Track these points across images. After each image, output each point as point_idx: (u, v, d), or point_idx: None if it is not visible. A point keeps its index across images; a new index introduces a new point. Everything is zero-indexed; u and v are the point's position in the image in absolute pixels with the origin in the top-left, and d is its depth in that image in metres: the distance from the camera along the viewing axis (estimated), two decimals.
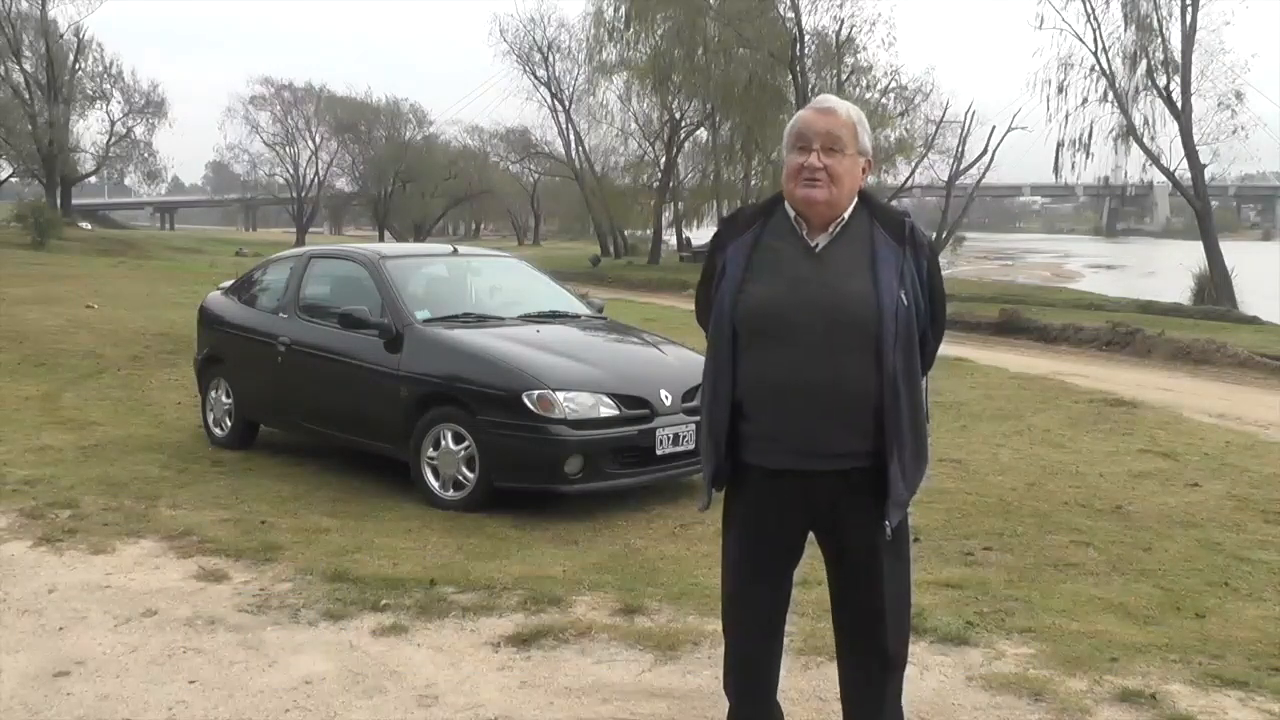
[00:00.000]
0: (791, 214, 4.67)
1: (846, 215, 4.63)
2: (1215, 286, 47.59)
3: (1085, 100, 53.23)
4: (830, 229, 4.61)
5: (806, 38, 62.50)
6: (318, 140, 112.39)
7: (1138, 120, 52.03)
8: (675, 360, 11.53)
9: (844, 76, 62.35)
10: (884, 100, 63.32)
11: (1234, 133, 49.70)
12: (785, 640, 5.04)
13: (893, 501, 4.55)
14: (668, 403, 10.68)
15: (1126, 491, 11.39)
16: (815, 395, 4.48)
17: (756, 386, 4.60)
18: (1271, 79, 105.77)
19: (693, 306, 5.18)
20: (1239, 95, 49.67)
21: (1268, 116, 53.78)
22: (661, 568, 8.74)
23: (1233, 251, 53.36)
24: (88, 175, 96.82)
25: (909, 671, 5.08)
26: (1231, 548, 9.38)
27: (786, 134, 4.70)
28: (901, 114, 63.84)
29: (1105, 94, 52.38)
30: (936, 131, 62.28)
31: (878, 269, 4.51)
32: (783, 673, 5.10)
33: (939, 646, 6.96)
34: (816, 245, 4.60)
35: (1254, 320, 37.94)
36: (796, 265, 4.58)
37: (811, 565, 4.99)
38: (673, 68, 66.06)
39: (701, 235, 78.26)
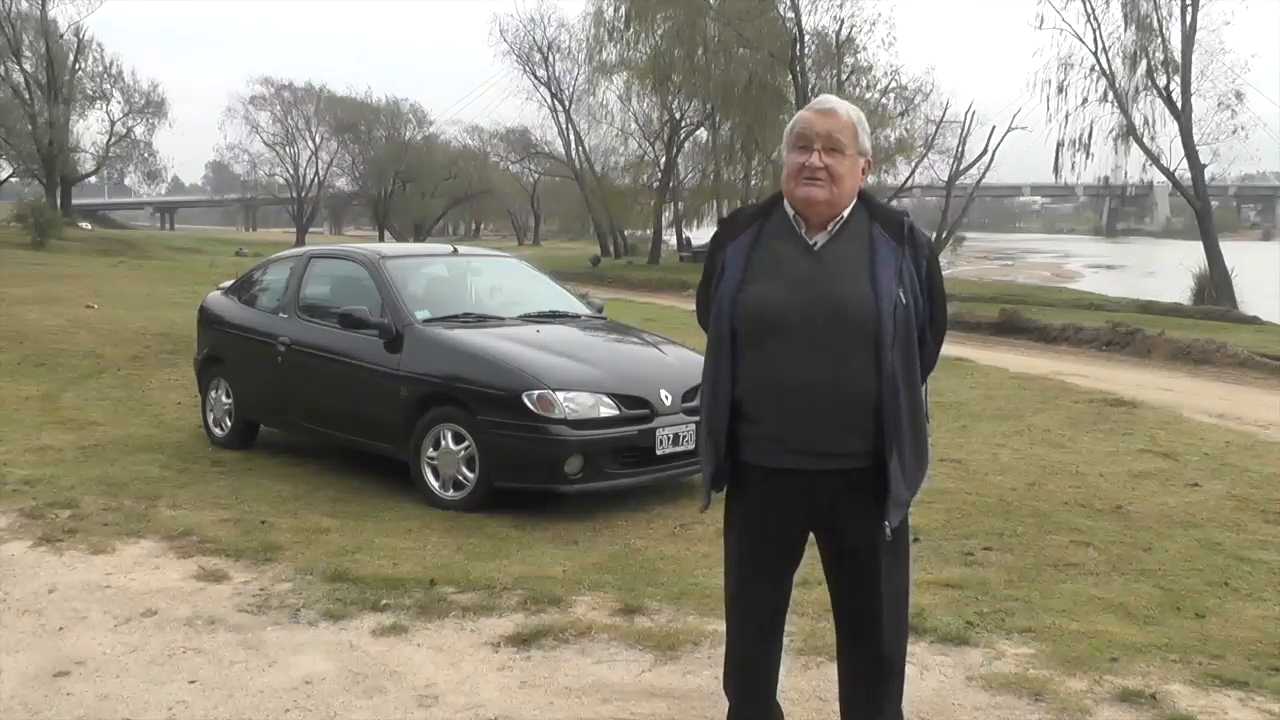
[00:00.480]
0: (790, 213, 4.67)
1: (845, 214, 4.63)
2: (1215, 286, 47.64)
3: (1085, 100, 53.35)
4: (829, 228, 4.61)
5: (806, 38, 62.54)
6: (318, 140, 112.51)
7: (1138, 120, 52.13)
8: (675, 360, 11.54)
9: (844, 76, 62.40)
10: (884, 100, 63.37)
11: (1234, 133, 49.82)
12: (785, 640, 5.05)
13: (892, 501, 4.55)
14: (668, 403, 10.68)
15: (1126, 491, 11.40)
16: (815, 395, 4.48)
17: (756, 387, 4.60)
18: (1271, 79, 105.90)
19: (693, 307, 5.19)
20: (1239, 95, 49.79)
21: (1268, 116, 53.88)
22: (661, 568, 8.75)
23: (1233, 251, 53.43)
24: (88, 175, 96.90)
25: (909, 671, 5.09)
26: (1231, 548, 9.39)
27: (787, 134, 4.71)
28: (901, 114, 63.90)
29: (1105, 94, 52.47)
30: (936, 131, 62.33)
31: (876, 268, 4.51)
32: (782, 673, 5.11)
33: (939, 646, 6.97)
34: (815, 244, 4.60)
35: (1254, 320, 37.97)
36: (795, 264, 4.59)
37: (811, 565, 4.99)
38: (673, 68, 66.06)
39: (702, 235, 78.27)
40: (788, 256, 4.61)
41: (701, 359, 4.86)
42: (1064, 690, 6.30)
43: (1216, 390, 21.25)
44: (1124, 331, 29.01)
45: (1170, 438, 14.45)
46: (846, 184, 4.60)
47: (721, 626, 5.12)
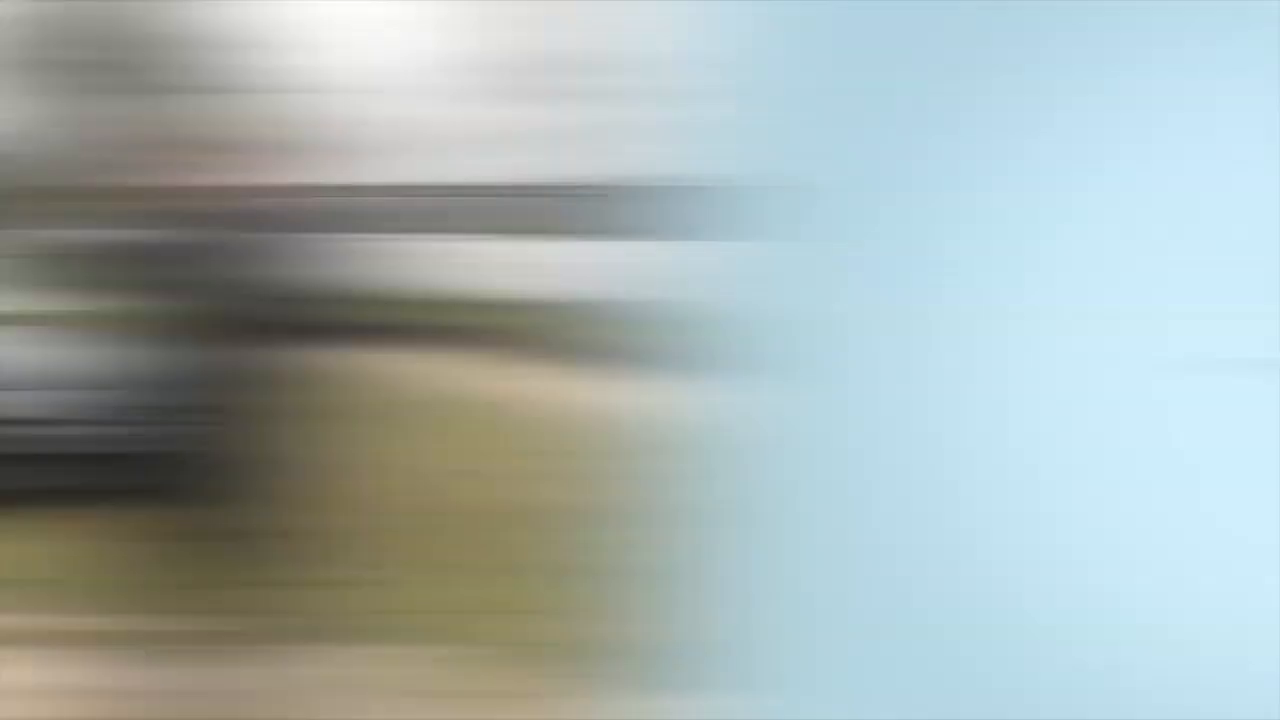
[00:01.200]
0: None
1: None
2: (627, 283, 49.59)
3: (493, 98, 54.68)
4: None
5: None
6: None
7: (568, 120, 53.71)
8: None
9: (224, 76, 62.77)
10: (272, 98, 63.95)
11: (652, 134, 51.89)
12: None
13: None
14: None
15: (446, 493, 11.53)
16: None
17: None
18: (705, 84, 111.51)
19: None
20: (676, 97, 51.90)
21: (687, 118, 56.44)
22: None
23: (638, 250, 55.93)
24: None
25: None
26: (539, 546, 9.57)
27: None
28: (290, 111, 64.55)
29: (518, 93, 53.92)
30: (337, 129, 63.09)
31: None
32: None
33: None
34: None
35: (634, 314, 39.57)
36: None
37: None
38: None
39: None
40: None
41: None
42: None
43: (559, 385, 21.91)
44: (495, 330, 29.76)
45: (499, 437, 14.77)
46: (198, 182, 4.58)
47: None
